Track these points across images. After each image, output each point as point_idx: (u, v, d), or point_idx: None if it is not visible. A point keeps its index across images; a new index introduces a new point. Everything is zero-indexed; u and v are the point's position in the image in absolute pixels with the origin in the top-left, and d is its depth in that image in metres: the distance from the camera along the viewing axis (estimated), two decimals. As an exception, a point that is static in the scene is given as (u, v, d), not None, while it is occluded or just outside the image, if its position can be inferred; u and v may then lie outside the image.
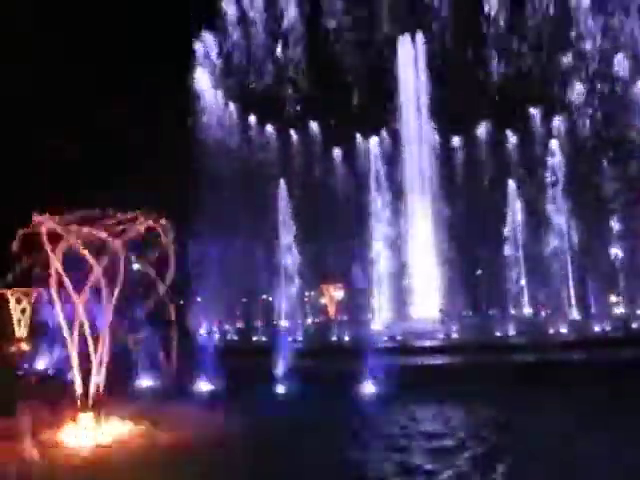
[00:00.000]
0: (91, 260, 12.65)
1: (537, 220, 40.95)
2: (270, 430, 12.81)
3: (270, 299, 54.49)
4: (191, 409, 15.10)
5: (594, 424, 12.66)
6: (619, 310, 39.33)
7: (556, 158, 40.08)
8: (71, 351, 12.94)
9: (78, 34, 51.03)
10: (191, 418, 13.93)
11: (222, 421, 13.78)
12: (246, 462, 10.54)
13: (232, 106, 45.15)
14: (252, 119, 45.75)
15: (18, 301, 41.29)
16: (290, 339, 29.99)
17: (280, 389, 17.86)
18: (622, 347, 22.66)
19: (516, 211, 42.75)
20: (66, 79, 48.29)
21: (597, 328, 28.94)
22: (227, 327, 40.51)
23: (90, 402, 12.71)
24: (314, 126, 45.99)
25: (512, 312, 43.91)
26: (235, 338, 33.39)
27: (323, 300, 56.53)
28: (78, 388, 12.80)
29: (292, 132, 46.45)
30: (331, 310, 54.70)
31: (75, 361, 12.88)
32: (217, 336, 35.03)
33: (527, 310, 42.08)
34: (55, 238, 12.62)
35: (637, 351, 21.04)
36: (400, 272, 42.54)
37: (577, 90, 42.16)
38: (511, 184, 42.65)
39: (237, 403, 15.71)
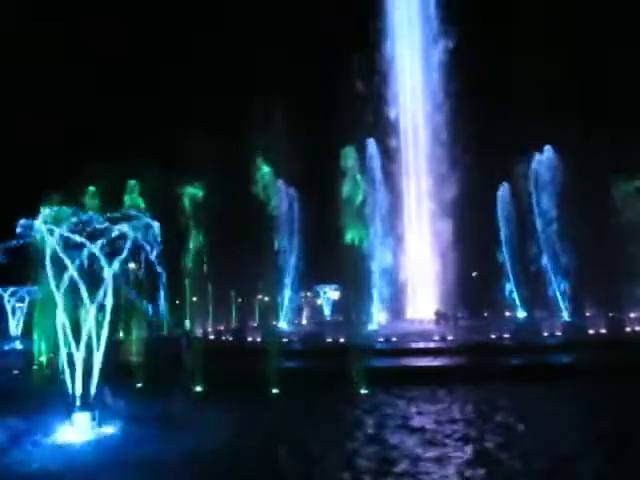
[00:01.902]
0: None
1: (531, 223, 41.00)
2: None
3: (266, 299, 54.57)
4: (184, 410, 15.15)
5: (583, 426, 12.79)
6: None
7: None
8: (64, 352, 13.03)
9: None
10: (184, 419, 14.02)
11: (213, 423, 13.88)
12: (230, 465, 10.64)
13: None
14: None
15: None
16: (285, 340, 29.99)
17: (274, 390, 17.89)
18: (613, 350, 22.72)
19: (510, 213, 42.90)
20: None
21: (591, 331, 29.01)
22: (222, 327, 40.53)
23: (86, 402, 12.79)
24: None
25: (507, 314, 44.16)
26: (230, 339, 33.35)
27: (319, 301, 56.73)
28: (72, 388, 12.87)
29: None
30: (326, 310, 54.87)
31: (68, 361, 12.96)
32: (211, 336, 35.04)
33: (521, 313, 42.19)
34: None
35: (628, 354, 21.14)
36: (396, 274, 42.69)
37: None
38: (505, 186, 42.89)
39: (228, 405, 15.77)
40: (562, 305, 38.62)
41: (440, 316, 36.04)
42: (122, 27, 61.21)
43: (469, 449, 11.12)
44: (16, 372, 26.15)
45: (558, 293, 39.02)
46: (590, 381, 16.94)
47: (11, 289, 40.19)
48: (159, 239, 13.51)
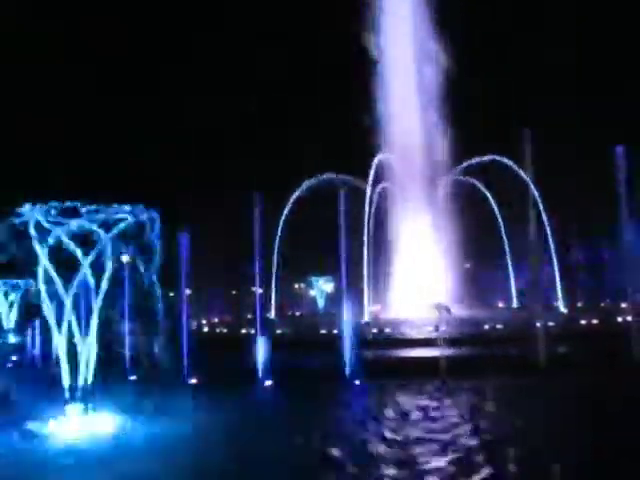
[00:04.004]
0: (78, 254, 12.77)
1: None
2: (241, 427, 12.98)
3: (261, 291, 54.39)
4: (175, 402, 15.18)
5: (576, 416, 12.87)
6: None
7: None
8: (59, 344, 13.02)
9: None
10: (175, 411, 14.04)
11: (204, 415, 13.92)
12: (218, 457, 10.66)
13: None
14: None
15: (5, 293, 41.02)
16: (279, 331, 30.08)
17: (267, 383, 17.95)
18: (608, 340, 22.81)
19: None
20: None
21: (583, 321, 29.20)
22: (216, 320, 40.53)
23: (78, 394, 12.79)
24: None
25: (500, 305, 44.37)
26: (224, 331, 33.38)
27: (312, 292, 56.77)
28: (66, 380, 12.86)
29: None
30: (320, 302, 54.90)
31: (63, 353, 12.95)
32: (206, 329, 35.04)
33: (515, 304, 42.34)
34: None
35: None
36: (389, 265, 42.76)
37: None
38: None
39: (220, 397, 15.82)
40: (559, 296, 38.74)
41: (435, 307, 36.03)
42: (122, 27, 61.21)
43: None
44: (10, 365, 26.20)
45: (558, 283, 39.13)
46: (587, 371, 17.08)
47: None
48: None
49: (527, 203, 24.01)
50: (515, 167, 37.32)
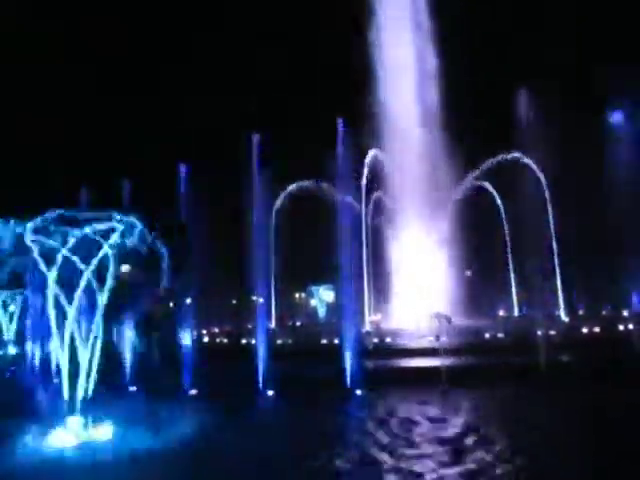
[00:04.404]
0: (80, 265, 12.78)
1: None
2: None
3: (261, 300, 54.23)
4: (175, 412, 15.11)
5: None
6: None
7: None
8: (60, 356, 12.96)
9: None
10: (175, 421, 13.98)
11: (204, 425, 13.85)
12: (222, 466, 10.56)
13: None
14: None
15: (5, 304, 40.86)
16: (279, 341, 29.98)
17: (268, 393, 17.88)
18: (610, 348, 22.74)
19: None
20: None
21: (585, 329, 29.11)
22: (216, 329, 40.41)
23: (78, 405, 12.72)
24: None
25: (501, 314, 44.24)
26: (224, 341, 33.27)
27: (313, 302, 56.58)
28: (66, 392, 12.79)
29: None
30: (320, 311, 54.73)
31: (64, 365, 12.90)
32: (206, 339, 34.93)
33: (516, 312, 42.26)
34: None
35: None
36: (390, 274, 42.70)
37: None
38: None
39: (220, 408, 15.75)
40: (560, 303, 38.65)
41: (435, 317, 35.92)
42: (122, 27, 61.47)
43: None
44: (8, 375, 26.10)
45: (560, 291, 39.04)
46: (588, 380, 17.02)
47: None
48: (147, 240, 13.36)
49: (535, 204, 23.61)
50: (531, 162, 37.26)
